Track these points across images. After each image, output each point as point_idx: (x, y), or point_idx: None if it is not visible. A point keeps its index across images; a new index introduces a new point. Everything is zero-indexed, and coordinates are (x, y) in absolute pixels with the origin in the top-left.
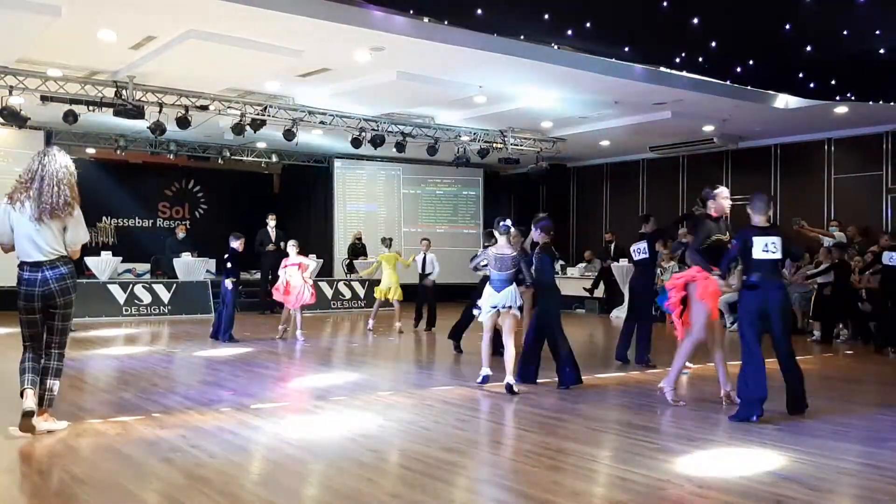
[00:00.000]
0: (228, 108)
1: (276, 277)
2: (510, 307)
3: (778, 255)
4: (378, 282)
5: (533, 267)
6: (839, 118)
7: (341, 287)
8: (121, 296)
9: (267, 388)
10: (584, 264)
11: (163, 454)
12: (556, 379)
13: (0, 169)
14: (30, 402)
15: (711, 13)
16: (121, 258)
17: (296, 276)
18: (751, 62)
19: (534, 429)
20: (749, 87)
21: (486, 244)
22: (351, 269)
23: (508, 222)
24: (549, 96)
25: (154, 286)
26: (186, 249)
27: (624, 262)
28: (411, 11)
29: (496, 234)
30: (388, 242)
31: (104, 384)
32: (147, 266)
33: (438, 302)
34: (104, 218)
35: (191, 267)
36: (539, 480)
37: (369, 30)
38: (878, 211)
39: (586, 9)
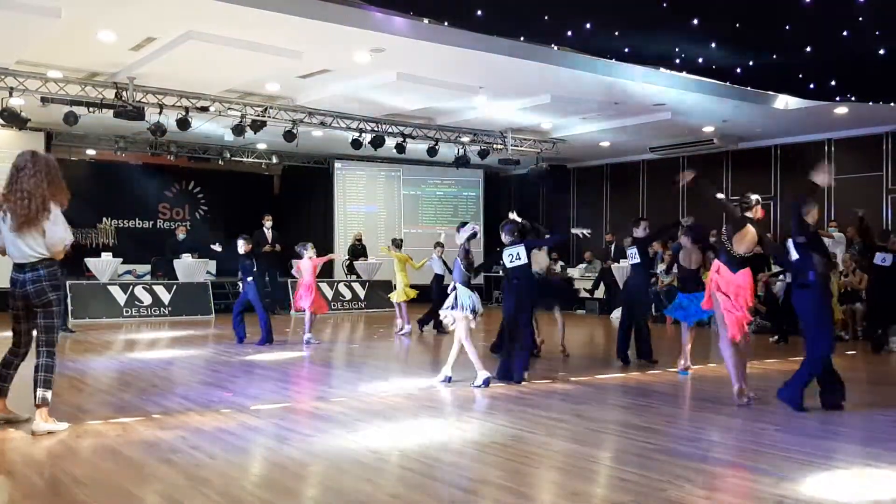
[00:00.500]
0: (229, 109)
1: (273, 278)
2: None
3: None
4: (389, 284)
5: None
6: (839, 119)
7: (342, 288)
8: (121, 297)
9: (267, 388)
10: (584, 265)
11: (163, 455)
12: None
13: (0, 170)
14: None
15: (711, 14)
16: (121, 259)
17: (306, 275)
18: (751, 63)
19: (534, 429)
20: (749, 88)
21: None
22: (351, 270)
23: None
24: (548, 97)
25: (154, 287)
26: (187, 251)
27: (624, 262)
28: (411, 13)
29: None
30: (398, 243)
31: (104, 385)
32: (147, 267)
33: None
34: (104, 219)
35: (191, 268)
36: (539, 481)
37: (369, 31)
38: (878, 212)
39: (586, 10)
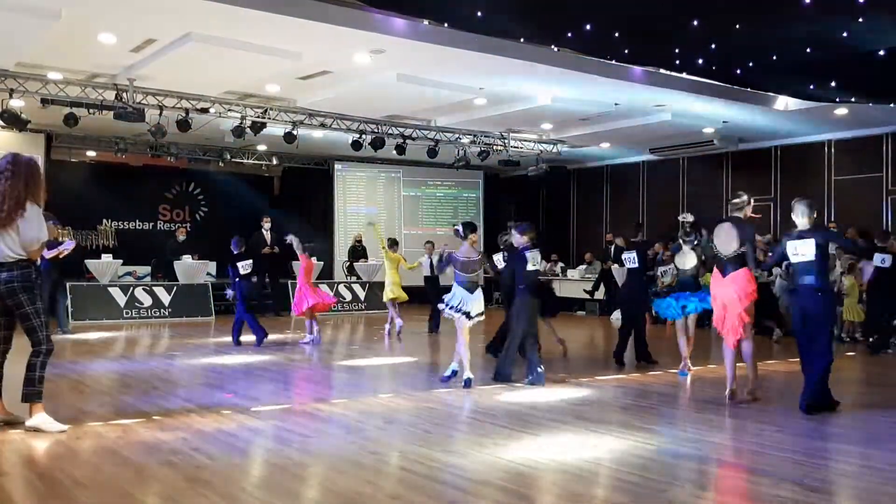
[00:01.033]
0: (229, 110)
1: (273, 280)
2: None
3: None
4: (383, 285)
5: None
6: (839, 120)
7: (342, 289)
8: (121, 298)
9: (267, 390)
10: (584, 266)
11: (163, 457)
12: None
13: None
14: None
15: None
16: (121, 261)
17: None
18: (750, 64)
19: (534, 430)
20: (749, 89)
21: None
22: (351, 271)
23: (459, 227)
24: (549, 98)
25: (154, 289)
26: (187, 252)
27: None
28: (411, 14)
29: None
30: (391, 243)
31: (105, 387)
32: (147, 269)
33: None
34: (104, 221)
35: (191, 269)
36: (539, 482)
37: (369, 32)
38: (877, 213)
39: (586, 11)
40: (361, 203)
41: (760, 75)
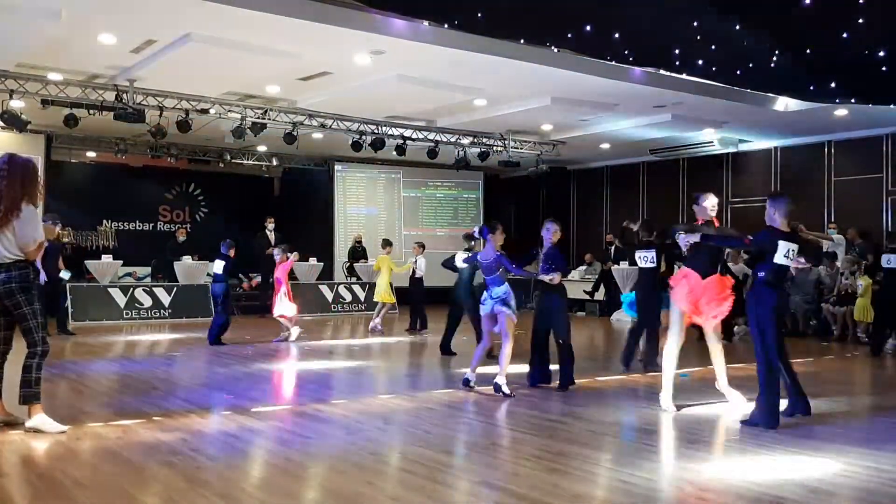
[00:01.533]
0: (229, 111)
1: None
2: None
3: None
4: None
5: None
6: (839, 121)
7: (342, 290)
8: (121, 299)
9: (267, 391)
10: (584, 267)
11: (163, 458)
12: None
13: None
14: None
15: (710, 16)
16: (121, 262)
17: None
18: (750, 65)
19: (534, 432)
20: (749, 90)
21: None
22: (351, 272)
23: (475, 230)
24: (548, 99)
25: (155, 289)
26: (187, 253)
27: (624, 264)
28: (411, 15)
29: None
30: (384, 243)
31: (105, 387)
32: (148, 269)
33: (439, 305)
34: (105, 221)
35: (191, 270)
36: (539, 483)
37: (369, 33)
38: (877, 214)
39: (586, 12)
40: (361, 204)
41: (760, 76)
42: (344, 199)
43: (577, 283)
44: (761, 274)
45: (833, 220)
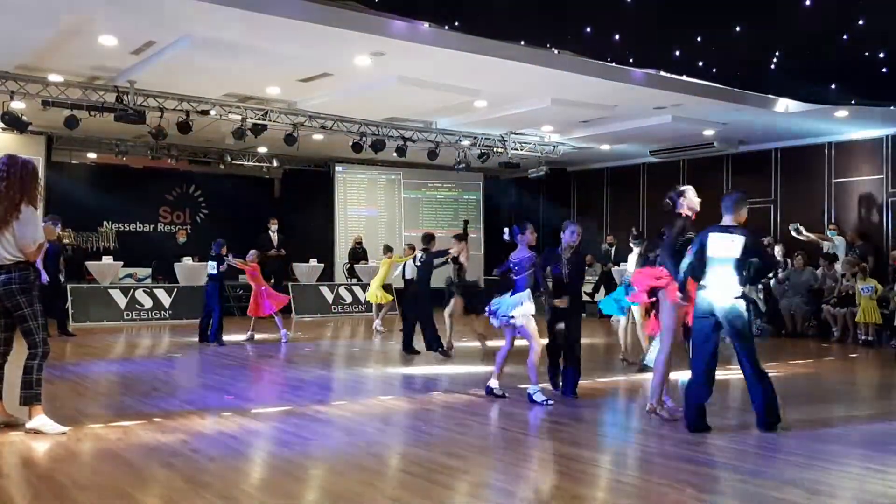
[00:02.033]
0: (229, 113)
1: (277, 282)
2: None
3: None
4: (389, 287)
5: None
6: (839, 122)
7: (342, 291)
8: (122, 300)
9: (267, 392)
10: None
11: (163, 459)
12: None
13: None
14: None
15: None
16: (122, 263)
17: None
18: (751, 66)
19: (535, 433)
20: (749, 91)
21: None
22: (352, 273)
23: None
24: (549, 100)
25: (155, 291)
26: (187, 254)
27: (625, 266)
28: (412, 16)
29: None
30: (385, 249)
31: (105, 389)
32: (148, 271)
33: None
34: (105, 223)
35: (192, 271)
36: (540, 485)
37: (370, 34)
38: (878, 215)
39: (586, 13)
40: (362, 205)
41: (761, 77)
42: (344, 200)
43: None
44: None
45: (833, 221)
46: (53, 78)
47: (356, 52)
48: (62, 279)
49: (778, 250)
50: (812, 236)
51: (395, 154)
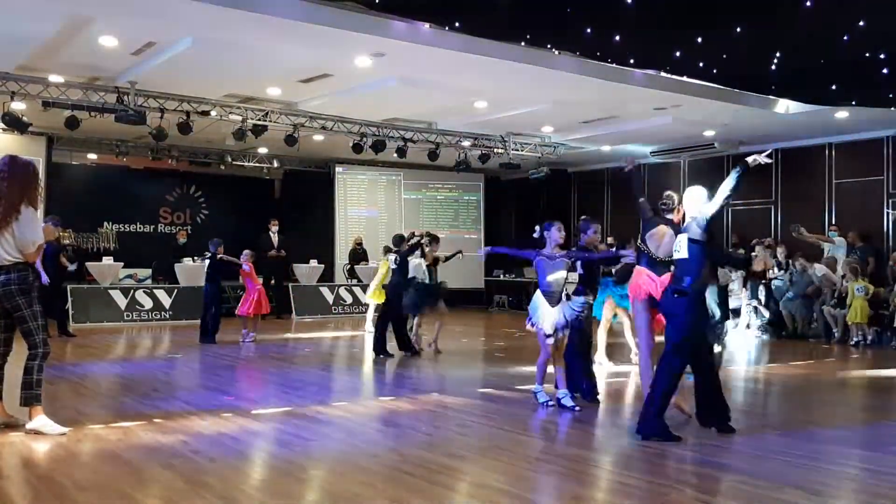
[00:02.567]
0: (230, 113)
1: (277, 283)
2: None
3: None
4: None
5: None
6: (840, 123)
7: (342, 292)
8: (122, 301)
9: (268, 392)
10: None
11: (163, 459)
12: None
13: None
14: None
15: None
16: (122, 263)
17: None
18: (751, 67)
19: (535, 434)
20: (750, 92)
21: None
22: (352, 274)
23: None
24: (549, 101)
25: (155, 291)
26: (188, 255)
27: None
28: (412, 17)
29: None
30: (385, 251)
31: (105, 389)
32: (148, 271)
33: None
34: (105, 223)
35: (192, 272)
36: (541, 486)
37: (370, 35)
38: (878, 216)
39: (586, 14)
40: (362, 206)
41: (761, 78)
42: (345, 201)
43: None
44: None
45: (833, 222)
46: (54, 78)
47: (357, 52)
48: (72, 268)
49: (779, 251)
50: (813, 238)
51: (395, 155)
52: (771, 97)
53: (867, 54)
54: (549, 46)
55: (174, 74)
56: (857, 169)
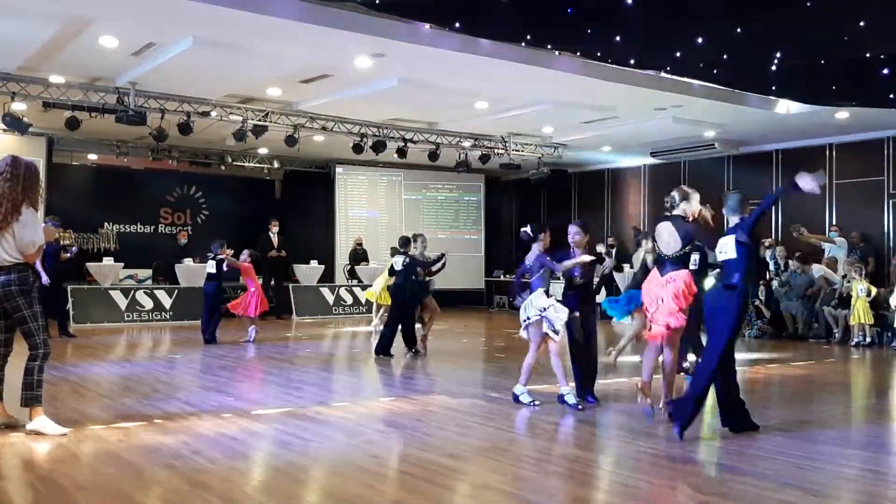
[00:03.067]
0: (230, 114)
1: (277, 284)
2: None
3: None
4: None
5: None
6: (840, 124)
7: (343, 293)
8: (122, 302)
9: (268, 393)
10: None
11: (164, 460)
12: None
13: None
14: None
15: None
16: (122, 264)
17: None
18: (752, 68)
19: (536, 435)
20: (750, 93)
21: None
22: (352, 274)
23: (528, 228)
24: (550, 102)
25: (156, 292)
26: (188, 255)
27: (625, 266)
28: (413, 18)
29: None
30: (392, 252)
31: (106, 390)
32: (149, 272)
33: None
34: (106, 224)
35: (192, 273)
36: (541, 486)
37: (370, 36)
38: (878, 216)
39: (587, 15)
40: (363, 206)
41: (761, 78)
42: (345, 201)
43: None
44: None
45: (834, 222)
46: (54, 79)
47: (357, 53)
48: (70, 254)
49: (779, 252)
50: (813, 238)
51: (395, 155)
52: (771, 97)
53: (867, 54)
54: (549, 47)
55: (174, 75)
56: (858, 169)
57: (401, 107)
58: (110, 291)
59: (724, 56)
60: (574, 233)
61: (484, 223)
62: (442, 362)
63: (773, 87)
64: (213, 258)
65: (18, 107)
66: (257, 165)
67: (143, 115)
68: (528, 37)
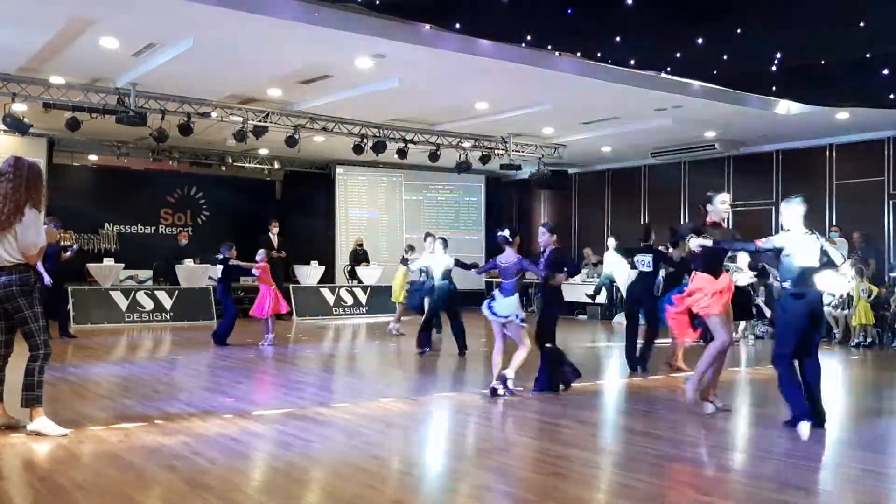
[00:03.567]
0: (230, 115)
1: (278, 284)
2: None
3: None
4: (390, 289)
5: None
6: (840, 124)
7: (343, 294)
8: (123, 302)
9: (269, 394)
10: (585, 270)
11: (165, 461)
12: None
13: None
14: None
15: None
16: (123, 265)
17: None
18: (752, 68)
19: (536, 435)
20: (750, 94)
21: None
22: (353, 275)
23: (506, 232)
24: (550, 102)
25: (156, 293)
26: (189, 256)
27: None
28: (413, 19)
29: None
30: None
31: (106, 391)
32: (149, 273)
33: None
34: (106, 224)
35: (193, 273)
36: (541, 487)
37: (371, 36)
38: (879, 217)
39: (587, 16)
40: (363, 207)
41: (761, 79)
42: (345, 202)
43: (579, 286)
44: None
45: (834, 223)
46: (55, 80)
47: (357, 54)
48: (71, 252)
49: None
50: None
51: (396, 156)
52: (771, 98)
53: (867, 54)
54: (549, 47)
55: (175, 76)
56: (858, 170)
57: (401, 107)
58: (111, 292)
59: (724, 56)
60: (541, 233)
61: (484, 224)
62: (442, 362)
63: (774, 88)
64: (221, 261)
65: (19, 108)
66: (258, 166)
67: (143, 116)
68: (528, 37)
